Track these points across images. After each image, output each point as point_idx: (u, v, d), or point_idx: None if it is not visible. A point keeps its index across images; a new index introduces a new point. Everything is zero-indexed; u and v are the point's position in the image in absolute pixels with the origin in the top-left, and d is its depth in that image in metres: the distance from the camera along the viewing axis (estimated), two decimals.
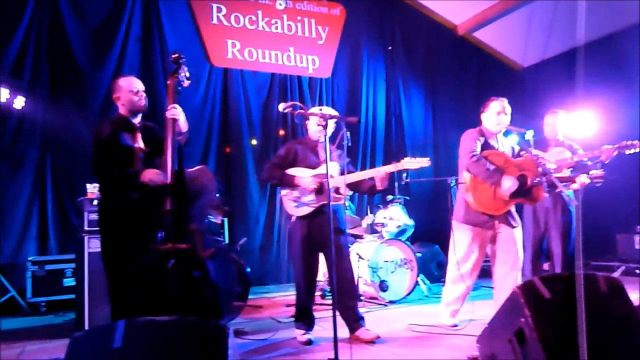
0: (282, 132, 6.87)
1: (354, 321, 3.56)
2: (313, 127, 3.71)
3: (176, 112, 2.96)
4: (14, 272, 5.04)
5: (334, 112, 3.83)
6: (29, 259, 4.94)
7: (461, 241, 3.77)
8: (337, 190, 3.61)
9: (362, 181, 3.65)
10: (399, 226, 5.39)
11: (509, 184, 3.56)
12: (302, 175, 3.62)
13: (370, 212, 5.70)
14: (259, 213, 6.50)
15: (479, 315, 4.05)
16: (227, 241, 5.38)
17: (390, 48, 7.69)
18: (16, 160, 5.24)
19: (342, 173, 3.69)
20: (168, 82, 3.07)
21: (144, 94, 3.10)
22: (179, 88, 3.10)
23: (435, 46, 7.98)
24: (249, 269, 4.30)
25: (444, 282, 3.99)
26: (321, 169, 3.64)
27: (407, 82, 7.81)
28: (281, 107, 3.16)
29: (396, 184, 6.24)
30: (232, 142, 6.55)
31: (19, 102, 5.08)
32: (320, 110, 3.61)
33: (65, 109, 5.45)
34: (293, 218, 3.66)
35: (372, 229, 5.59)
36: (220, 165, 6.46)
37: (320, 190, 3.57)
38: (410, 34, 7.81)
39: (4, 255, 5.05)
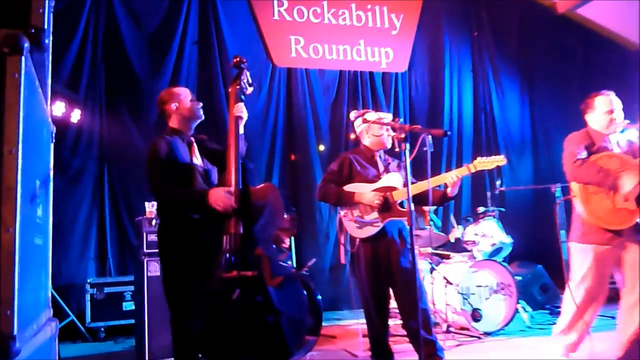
0: (352, 136, 6.87)
1: (430, 355, 3.46)
2: (374, 137, 3.66)
3: (243, 109, 3.02)
4: (73, 294, 5.35)
5: (387, 115, 3.76)
6: (88, 280, 5.23)
7: (580, 264, 3.45)
8: (401, 204, 3.53)
9: (431, 190, 3.54)
10: (493, 244, 5.19)
11: (630, 184, 3.24)
12: (362, 190, 3.58)
13: (458, 225, 5.55)
14: (329, 229, 6.51)
15: (599, 349, 3.77)
16: (294, 263, 5.45)
17: (476, 34, 7.48)
18: (74, 176, 5.59)
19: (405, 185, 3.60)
20: (229, 89, 3.12)
21: (201, 104, 3.21)
22: (242, 96, 3.14)
23: (531, 28, 7.65)
24: (320, 297, 4.31)
25: (549, 309, 3.78)
26: (383, 182, 3.59)
27: (499, 72, 7.54)
28: (353, 115, 3.15)
29: (488, 193, 6.02)
30: (297, 149, 6.63)
31: (76, 116, 5.46)
32: (381, 119, 3.56)
33: (122, 120, 5.77)
34: (357, 241, 3.60)
35: (462, 248, 5.41)
36: (285, 175, 6.56)
37: (385, 206, 3.51)
38: (499, 15, 7.55)
39: (62, 276, 5.37)
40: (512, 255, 5.72)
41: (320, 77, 6.78)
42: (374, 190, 3.57)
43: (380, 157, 3.75)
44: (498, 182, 5.35)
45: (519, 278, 5.33)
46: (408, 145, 2.80)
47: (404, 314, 3.48)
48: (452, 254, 5.40)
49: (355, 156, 3.72)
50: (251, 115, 6.25)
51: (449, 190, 3.48)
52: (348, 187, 3.63)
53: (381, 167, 3.69)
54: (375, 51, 6.98)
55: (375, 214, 3.54)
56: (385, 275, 3.55)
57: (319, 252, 6.39)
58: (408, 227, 3.18)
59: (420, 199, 3.50)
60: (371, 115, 3.70)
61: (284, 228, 4.40)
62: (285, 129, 6.61)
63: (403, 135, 2.82)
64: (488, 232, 5.24)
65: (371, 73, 6.98)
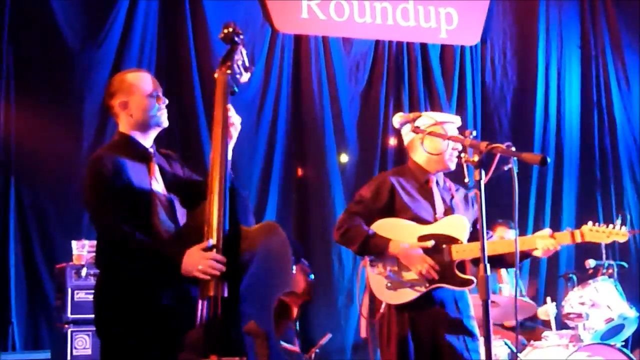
0: (393, 142, 6.92)
1: None
2: (430, 154, 3.63)
3: (235, 119, 3.06)
4: None
5: (453, 119, 3.78)
6: None
7: None
8: (460, 266, 3.56)
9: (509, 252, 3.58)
10: (610, 319, 5.18)
11: None
12: (403, 236, 3.61)
13: (552, 299, 5.56)
14: (352, 285, 6.50)
15: None
16: (298, 340, 5.48)
17: None
18: None
19: (473, 236, 3.62)
20: (216, 74, 3.14)
21: (166, 101, 3.26)
22: (234, 86, 3.17)
23: None
24: None
25: None
26: (439, 227, 3.60)
27: (622, 49, 7.57)
28: (397, 120, 3.19)
29: None
30: (308, 160, 6.69)
31: None
32: (441, 123, 3.59)
33: (40, 114, 5.82)
34: (382, 307, 3.66)
35: (560, 323, 5.44)
36: (287, 200, 6.60)
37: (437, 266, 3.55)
38: None
39: None
40: (639, 336, 5.72)
41: (345, 50, 6.83)
42: (423, 238, 3.59)
43: (437, 183, 3.78)
44: (618, 221, 5.36)
45: None
46: (484, 174, 2.82)
47: None
48: (545, 333, 5.41)
49: (400, 179, 3.75)
50: (238, 107, 6.31)
51: (537, 252, 3.55)
52: (382, 227, 3.66)
53: (439, 201, 3.72)
54: (430, 12, 7.03)
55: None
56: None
57: (337, 322, 6.41)
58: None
59: (492, 260, 3.51)
60: (426, 119, 3.76)
61: (291, 292, 4.43)
62: (289, 129, 6.67)
63: (477, 159, 2.80)
64: (602, 300, 5.23)
65: (424, 46, 7.03)
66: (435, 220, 3.68)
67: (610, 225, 3.59)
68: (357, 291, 4.80)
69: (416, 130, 3.37)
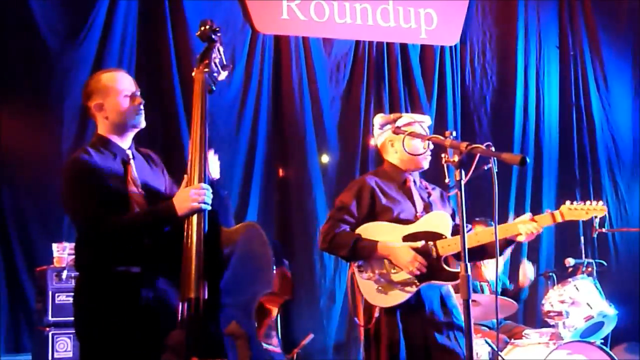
0: (374, 142, 6.91)
1: None
2: (406, 153, 3.60)
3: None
4: None
5: (426, 121, 3.82)
6: None
7: None
8: (446, 260, 3.58)
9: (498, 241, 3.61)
10: (589, 317, 5.22)
11: None
12: (388, 238, 3.62)
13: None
14: (334, 287, 6.52)
15: None
16: (280, 340, 5.47)
17: None
18: None
19: (455, 230, 3.65)
20: (194, 73, 3.15)
21: (143, 102, 3.24)
22: (212, 85, 3.18)
23: None
24: None
25: None
26: (421, 224, 3.62)
27: (600, 48, 7.62)
28: (378, 121, 3.20)
29: (582, 238, 6.07)
30: (289, 160, 6.69)
31: None
32: (418, 122, 3.63)
33: (20, 114, 5.82)
34: (375, 311, 3.64)
35: (540, 321, 5.48)
36: (268, 202, 6.59)
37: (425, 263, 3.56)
38: None
39: None
40: (618, 333, 5.76)
41: (326, 51, 6.84)
42: (408, 238, 3.60)
43: (415, 182, 3.80)
44: (597, 221, 5.40)
45: None
46: (463, 174, 2.83)
47: None
48: (526, 331, 5.44)
49: (379, 181, 3.76)
50: (219, 108, 6.32)
51: (521, 238, 3.58)
52: (367, 230, 3.66)
53: (418, 200, 3.74)
54: (410, 13, 7.04)
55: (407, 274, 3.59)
56: None
57: (319, 322, 6.41)
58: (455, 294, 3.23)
59: (475, 251, 3.52)
60: (403, 119, 3.76)
61: (271, 292, 4.43)
62: (270, 130, 6.66)
63: (457, 159, 2.84)
64: (581, 298, 5.26)
65: (404, 47, 7.04)
66: (417, 218, 3.70)
67: (588, 202, 3.65)
68: (349, 298, 4.82)
69: (397, 131, 3.37)
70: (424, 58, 7.16)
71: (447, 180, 2.96)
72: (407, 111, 6.85)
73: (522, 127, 7.34)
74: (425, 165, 3.76)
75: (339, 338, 6.54)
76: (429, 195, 3.83)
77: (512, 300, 5.46)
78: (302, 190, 6.64)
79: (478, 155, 2.94)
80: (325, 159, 6.77)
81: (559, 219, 3.60)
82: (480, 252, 3.70)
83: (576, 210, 3.62)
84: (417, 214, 3.71)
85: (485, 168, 3.00)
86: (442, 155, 3.01)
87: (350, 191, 3.79)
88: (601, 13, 7.75)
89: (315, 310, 6.48)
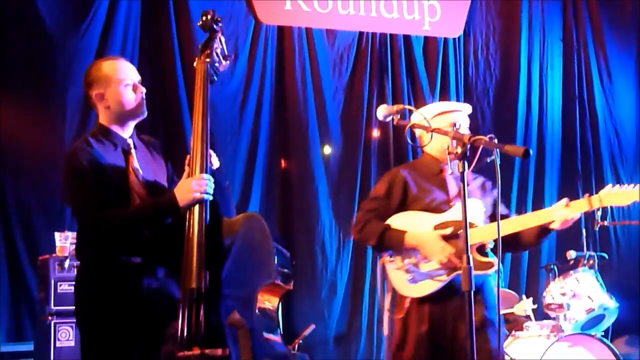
0: (377, 134, 6.92)
1: None
2: (439, 142, 3.62)
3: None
4: None
5: (464, 109, 3.83)
6: None
7: None
8: (481, 249, 3.54)
9: (526, 230, 3.58)
10: (590, 309, 5.22)
11: None
12: (420, 228, 3.61)
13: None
14: (336, 277, 6.53)
15: None
16: (281, 330, 5.47)
17: None
18: None
19: (490, 218, 3.63)
20: (195, 63, 3.16)
21: (144, 90, 3.23)
22: (214, 75, 3.18)
23: None
24: None
25: None
26: (452, 213, 3.59)
27: (604, 42, 7.60)
28: (381, 112, 3.18)
29: (583, 230, 6.07)
30: (291, 152, 6.68)
31: None
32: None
33: (22, 105, 5.81)
34: (406, 302, 3.65)
35: (541, 314, 5.48)
36: (270, 193, 6.60)
37: (456, 252, 3.51)
38: None
39: None
40: (619, 325, 5.76)
41: (329, 42, 6.82)
42: (439, 227, 3.57)
43: (452, 172, 3.73)
44: (599, 213, 5.38)
45: None
46: (467, 166, 2.83)
47: None
48: (526, 323, 5.44)
49: (412, 172, 3.76)
50: (222, 99, 6.32)
51: (555, 225, 3.49)
52: (399, 220, 3.67)
53: (453, 189, 3.70)
54: (414, 4, 7.02)
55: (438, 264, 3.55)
56: (451, 357, 3.57)
57: (320, 313, 6.41)
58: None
59: (509, 242, 3.45)
60: (433, 108, 3.76)
61: (272, 283, 4.41)
62: (273, 121, 6.65)
63: (459, 150, 2.84)
64: (582, 291, 5.26)
65: (407, 38, 7.03)
66: (450, 207, 3.66)
67: (629, 185, 3.43)
68: (379, 289, 4.85)
69: (399, 123, 3.35)
70: (427, 50, 7.14)
71: (450, 172, 2.93)
72: (409, 103, 6.87)
73: (524, 120, 7.32)
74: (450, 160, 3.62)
75: (340, 329, 6.55)
76: (468, 184, 3.77)
77: (512, 292, 5.46)
78: (304, 181, 6.64)
79: (481, 147, 2.94)
80: (327, 150, 6.76)
81: (597, 204, 3.42)
82: (514, 243, 3.67)
83: (616, 195, 3.41)
84: (451, 203, 3.68)
85: (488, 160, 3.00)
86: (446, 146, 3.02)
87: (382, 181, 3.82)
88: (605, 7, 7.72)
89: (317, 301, 6.48)
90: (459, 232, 3.50)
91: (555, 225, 3.50)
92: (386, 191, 3.75)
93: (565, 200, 3.51)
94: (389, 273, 3.71)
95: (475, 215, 3.56)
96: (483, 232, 3.52)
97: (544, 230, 3.58)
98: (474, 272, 3.49)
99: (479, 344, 3.45)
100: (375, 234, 3.64)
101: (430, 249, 3.53)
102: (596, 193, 3.46)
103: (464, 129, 3.68)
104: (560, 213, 3.46)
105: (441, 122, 3.62)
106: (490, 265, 3.52)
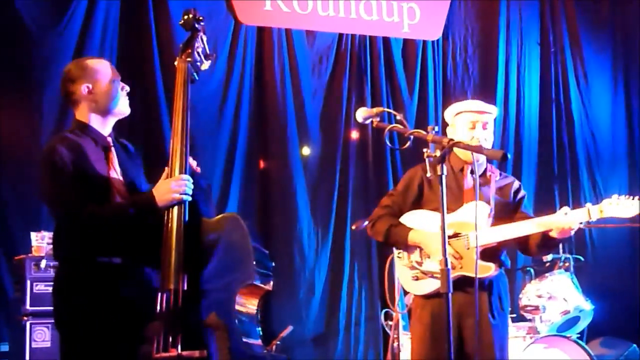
0: (356, 135, 6.92)
1: None
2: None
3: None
4: None
5: (491, 111, 3.86)
6: None
7: None
8: (492, 253, 3.57)
9: (532, 235, 3.61)
10: (566, 311, 5.24)
11: None
12: (428, 226, 3.63)
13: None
14: (314, 278, 6.53)
15: None
16: (260, 332, 5.45)
17: None
18: None
19: (499, 220, 3.65)
20: (177, 62, 3.15)
21: (128, 89, 3.22)
22: (195, 74, 3.17)
23: None
24: None
25: None
26: (458, 215, 3.62)
27: (581, 46, 7.64)
28: (360, 115, 3.18)
29: None
30: (270, 152, 6.66)
31: None
32: (467, 112, 3.63)
33: (0, 103, 5.76)
34: (410, 298, 3.74)
35: (518, 316, 5.49)
36: (250, 192, 6.58)
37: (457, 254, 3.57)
38: None
39: None
40: (594, 328, 5.78)
41: (308, 43, 6.82)
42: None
43: (472, 171, 3.68)
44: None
45: None
46: (445, 170, 2.85)
47: None
48: None
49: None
50: (201, 99, 6.29)
51: (553, 233, 3.49)
52: (409, 219, 3.72)
53: (468, 190, 3.70)
54: (393, 7, 7.02)
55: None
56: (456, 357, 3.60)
57: (298, 314, 6.40)
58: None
59: (516, 245, 3.59)
60: (457, 105, 3.82)
61: (252, 284, 4.42)
62: (252, 122, 6.63)
63: (439, 154, 2.86)
64: (558, 293, 5.28)
65: (386, 40, 7.03)
66: (460, 204, 3.69)
67: (629, 198, 3.43)
68: (385, 284, 4.87)
69: (378, 125, 3.34)
70: (406, 52, 7.15)
71: (428, 175, 2.93)
72: (388, 104, 6.89)
73: (502, 122, 7.32)
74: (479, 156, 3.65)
75: (318, 330, 6.55)
76: (487, 185, 3.74)
77: None
78: (282, 182, 6.63)
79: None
80: (306, 151, 6.76)
81: (598, 216, 3.45)
82: (522, 249, 3.79)
83: (618, 207, 3.42)
84: (463, 199, 3.71)
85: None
86: (424, 149, 3.03)
87: (403, 177, 3.89)
88: (582, 10, 7.77)
89: (295, 302, 6.48)
90: (462, 233, 3.59)
91: (553, 234, 3.52)
92: (404, 188, 3.82)
93: (565, 209, 3.53)
94: (396, 269, 3.80)
95: (479, 217, 3.52)
96: (489, 235, 3.56)
97: (544, 239, 3.60)
98: (469, 274, 3.54)
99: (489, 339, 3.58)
100: (382, 231, 3.71)
101: (432, 248, 3.57)
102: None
103: (480, 131, 3.69)
104: (557, 222, 3.48)
105: (460, 121, 3.73)
106: (487, 269, 3.57)
